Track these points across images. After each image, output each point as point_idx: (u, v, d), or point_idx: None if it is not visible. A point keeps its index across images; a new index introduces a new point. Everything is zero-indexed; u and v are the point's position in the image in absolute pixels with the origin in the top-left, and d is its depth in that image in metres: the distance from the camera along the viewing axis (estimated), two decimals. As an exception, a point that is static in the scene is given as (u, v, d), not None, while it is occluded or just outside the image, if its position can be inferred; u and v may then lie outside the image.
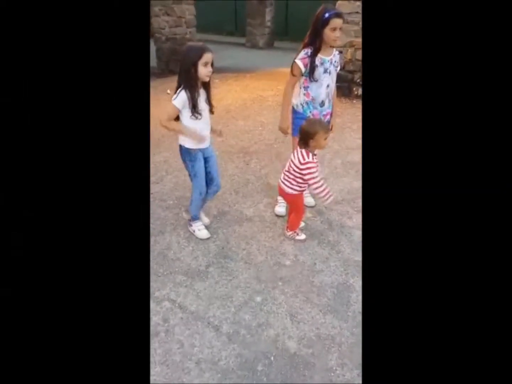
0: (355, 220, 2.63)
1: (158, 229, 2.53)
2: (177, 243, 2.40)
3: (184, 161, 2.28)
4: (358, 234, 2.48)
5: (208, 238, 2.43)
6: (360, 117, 4.60)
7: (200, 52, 1.98)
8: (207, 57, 1.99)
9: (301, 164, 2.14)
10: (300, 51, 2.31)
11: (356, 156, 3.59)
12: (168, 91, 5.57)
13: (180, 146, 2.24)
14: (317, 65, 2.30)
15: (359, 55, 5.16)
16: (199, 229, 2.45)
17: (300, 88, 2.41)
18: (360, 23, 4.99)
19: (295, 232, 2.43)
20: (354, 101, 5.26)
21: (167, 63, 7.41)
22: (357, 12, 4.98)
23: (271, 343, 1.73)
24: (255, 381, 1.56)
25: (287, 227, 2.45)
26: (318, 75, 2.32)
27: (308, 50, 2.28)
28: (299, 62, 2.30)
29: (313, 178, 2.14)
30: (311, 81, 2.34)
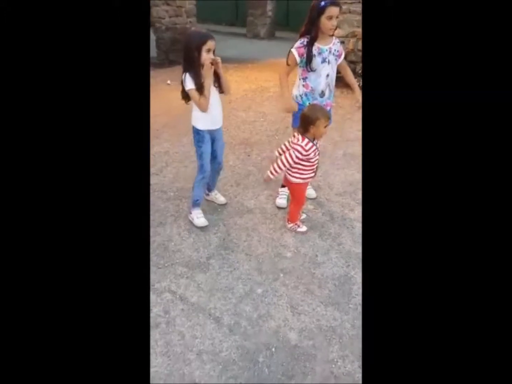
0: (357, 212, 2.62)
1: (158, 221, 2.52)
2: (178, 235, 2.39)
3: (194, 142, 2.36)
4: (359, 226, 2.47)
5: (208, 229, 2.43)
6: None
7: (204, 38, 2.05)
8: (210, 44, 2.06)
9: (294, 144, 2.15)
10: (297, 41, 2.29)
11: (357, 148, 3.57)
12: (168, 82, 5.53)
13: (193, 126, 2.32)
14: (314, 55, 2.26)
15: (361, 45, 5.10)
16: (198, 217, 2.46)
17: (299, 79, 2.39)
18: (363, 12, 4.93)
19: (296, 224, 2.42)
20: (356, 92, 5.21)
21: (167, 53, 7.34)
22: (359, 2, 4.91)
23: (272, 334, 1.73)
24: (256, 373, 1.56)
25: (288, 219, 2.44)
26: (316, 65, 2.29)
27: (304, 40, 2.24)
28: (294, 52, 2.27)
29: (289, 159, 2.15)
30: (308, 71, 2.31)
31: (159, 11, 7.16)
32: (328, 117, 2.11)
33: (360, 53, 5.15)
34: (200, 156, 2.35)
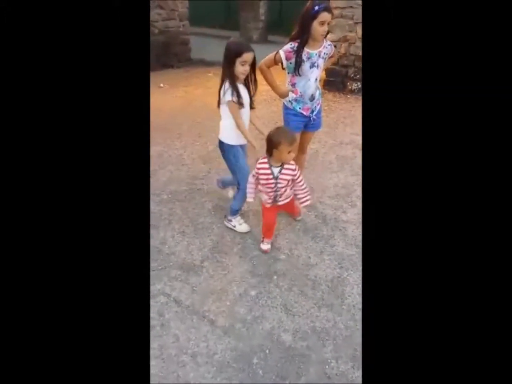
0: (349, 215, 2.64)
1: (151, 224, 2.51)
2: (172, 237, 2.40)
3: (227, 158, 2.35)
4: (352, 228, 2.50)
5: (201, 231, 2.43)
6: (354, 112, 4.62)
7: (240, 50, 2.03)
8: (246, 56, 2.03)
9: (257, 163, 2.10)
10: (287, 44, 2.28)
11: (350, 151, 3.60)
12: (161, 85, 5.53)
13: (222, 143, 2.31)
14: (303, 60, 2.25)
15: (353, 49, 5.16)
16: (240, 223, 2.48)
17: (287, 85, 2.39)
18: (354, 17, 4.99)
19: (262, 239, 2.33)
20: (348, 96, 5.26)
21: (160, 56, 7.34)
22: (351, 7, 4.97)
23: (266, 336, 1.74)
24: (250, 374, 1.57)
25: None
26: (304, 70, 2.29)
27: (295, 44, 2.23)
28: (282, 54, 2.26)
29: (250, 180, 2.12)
30: (296, 75, 2.31)
31: (152, 15, 7.15)
32: (293, 141, 2.00)
33: (352, 57, 5.20)
34: (239, 170, 2.32)
